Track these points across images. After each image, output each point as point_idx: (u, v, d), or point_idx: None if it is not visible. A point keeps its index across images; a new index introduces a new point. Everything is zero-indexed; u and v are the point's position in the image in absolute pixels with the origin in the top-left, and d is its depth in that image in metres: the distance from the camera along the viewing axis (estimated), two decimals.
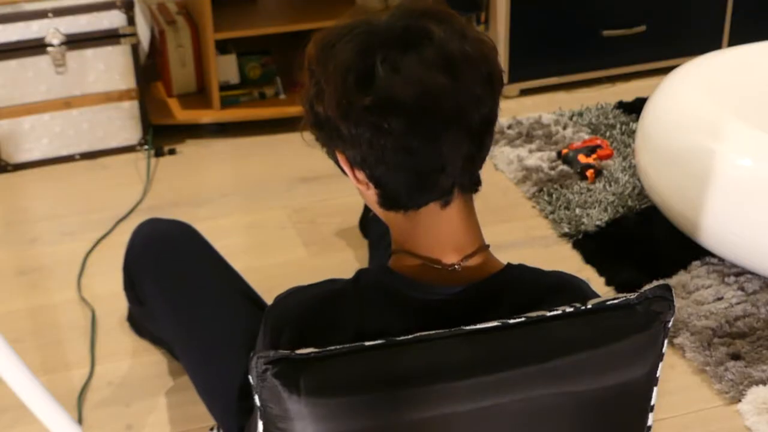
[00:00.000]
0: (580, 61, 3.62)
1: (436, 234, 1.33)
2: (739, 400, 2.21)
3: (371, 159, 1.27)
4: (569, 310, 1.23)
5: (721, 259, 2.62)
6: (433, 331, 1.19)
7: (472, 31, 1.31)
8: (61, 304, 2.56)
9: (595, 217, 2.83)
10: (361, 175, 1.30)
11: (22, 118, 3.11)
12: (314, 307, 1.31)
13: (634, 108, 3.39)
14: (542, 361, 1.19)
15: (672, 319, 1.23)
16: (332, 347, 1.16)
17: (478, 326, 1.20)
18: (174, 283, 1.92)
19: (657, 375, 1.26)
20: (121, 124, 3.22)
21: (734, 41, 3.62)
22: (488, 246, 1.38)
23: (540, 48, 3.56)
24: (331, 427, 1.14)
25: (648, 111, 2.78)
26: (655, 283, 2.54)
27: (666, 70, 3.03)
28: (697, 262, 2.63)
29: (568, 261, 2.69)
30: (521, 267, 1.39)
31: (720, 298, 2.50)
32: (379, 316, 1.29)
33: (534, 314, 1.22)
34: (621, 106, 3.46)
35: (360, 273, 1.35)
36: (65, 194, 3.06)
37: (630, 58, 3.66)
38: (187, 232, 2.07)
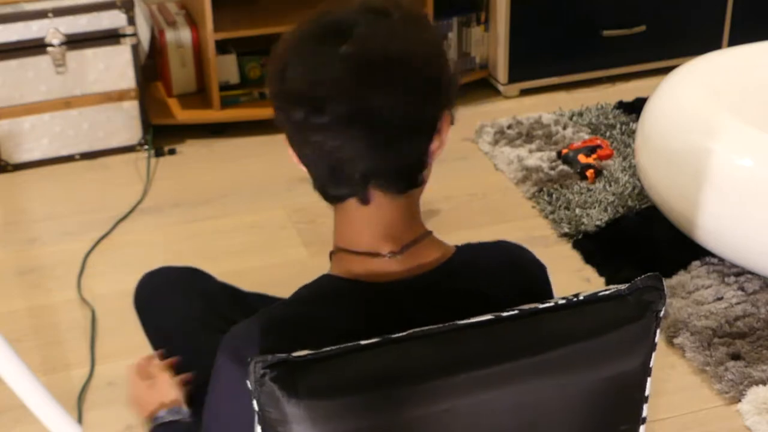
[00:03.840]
0: (580, 61, 3.62)
1: (360, 229, 1.32)
2: (739, 400, 2.21)
3: (291, 143, 1.30)
4: (561, 302, 1.24)
5: (721, 259, 2.62)
6: (428, 327, 1.19)
7: (419, 33, 1.27)
8: (61, 304, 2.56)
9: (595, 217, 2.83)
10: (294, 157, 1.32)
11: (22, 118, 3.11)
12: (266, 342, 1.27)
13: (634, 108, 3.39)
14: (536, 353, 1.19)
15: (663, 308, 1.24)
16: (328, 348, 1.16)
17: (472, 320, 1.20)
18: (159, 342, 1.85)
19: (650, 365, 1.27)
20: (121, 124, 3.22)
21: (734, 41, 3.62)
22: (430, 232, 1.35)
23: (540, 48, 3.56)
24: (330, 428, 1.14)
25: (648, 111, 2.78)
26: None
27: (666, 70, 3.03)
28: (697, 262, 2.63)
29: (568, 261, 2.69)
30: (470, 248, 1.37)
31: (720, 298, 2.50)
32: (334, 325, 1.28)
33: (527, 307, 1.23)
34: (621, 106, 3.46)
35: (301, 291, 1.34)
36: (65, 194, 3.06)
37: (630, 58, 3.66)
38: (187, 281, 1.89)
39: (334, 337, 1.18)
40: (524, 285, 1.34)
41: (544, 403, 1.21)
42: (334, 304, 1.30)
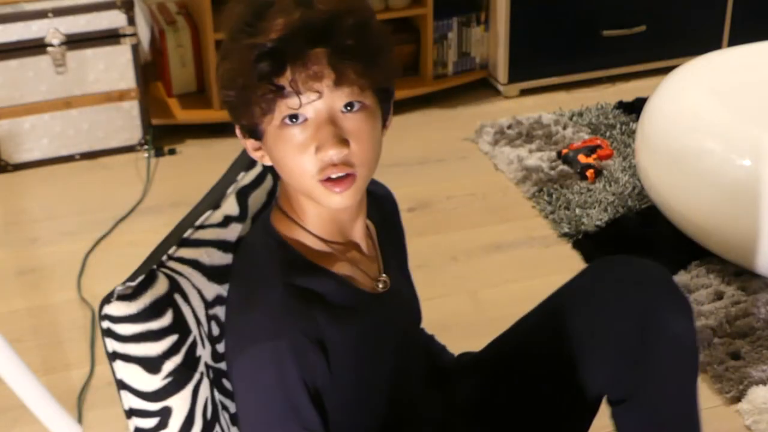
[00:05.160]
0: (580, 61, 3.62)
1: None
2: (739, 400, 2.21)
3: None
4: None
5: (721, 259, 2.62)
6: None
7: None
8: (61, 304, 2.57)
9: (595, 217, 2.83)
10: None
11: (22, 118, 3.11)
12: None
13: (634, 108, 3.39)
14: None
15: None
16: None
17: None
18: None
19: None
20: (121, 124, 3.22)
21: (734, 41, 3.62)
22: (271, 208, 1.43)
23: (540, 48, 3.56)
24: None
25: (648, 111, 2.78)
26: None
27: (666, 70, 3.03)
28: (697, 262, 2.63)
29: (568, 261, 2.69)
30: (246, 248, 1.42)
31: (720, 298, 2.50)
32: None
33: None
34: (621, 106, 3.46)
35: None
36: (65, 194, 3.06)
37: (630, 58, 3.66)
38: None
39: None
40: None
41: None
42: None
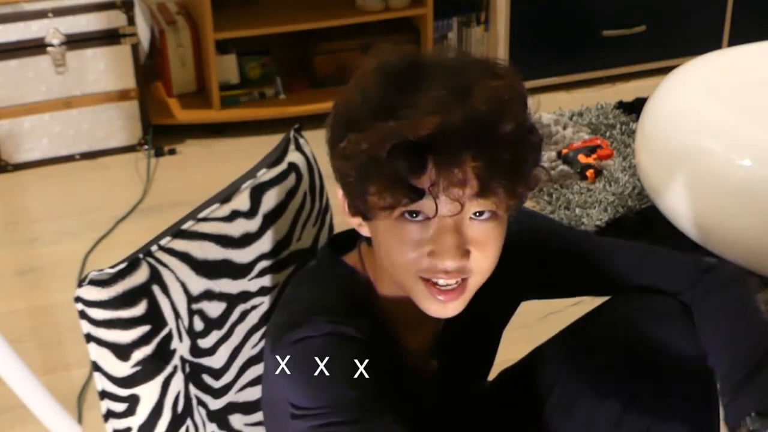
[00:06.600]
0: (580, 61, 3.62)
1: None
2: None
3: None
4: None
5: (721, 259, 2.62)
6: None
7: None
8: (61, 304, 2.56)
9: (595, 217, 2.83)
10: None
11: (22, 118, 3.11)
12: None
13: (634, 108, 3.39)
14: None
15: None
16: None
17: None
18: None
19: None
20: (121, 124, 3.22)
21: (734, 41, 3.62)
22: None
23: (540, 48, 3.56)
24: None
25: (648, 111, 2.78)
26: None
27: (666, 70, 3.03)
28: None
29: None
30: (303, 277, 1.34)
31: None
32: None
33: None
34: (621, 106, 3.46)
35: None
36: (65, 194, 3.06)
37: (630, 58, 3.66)
38: None
39: None
40: None
41: None
42: None
